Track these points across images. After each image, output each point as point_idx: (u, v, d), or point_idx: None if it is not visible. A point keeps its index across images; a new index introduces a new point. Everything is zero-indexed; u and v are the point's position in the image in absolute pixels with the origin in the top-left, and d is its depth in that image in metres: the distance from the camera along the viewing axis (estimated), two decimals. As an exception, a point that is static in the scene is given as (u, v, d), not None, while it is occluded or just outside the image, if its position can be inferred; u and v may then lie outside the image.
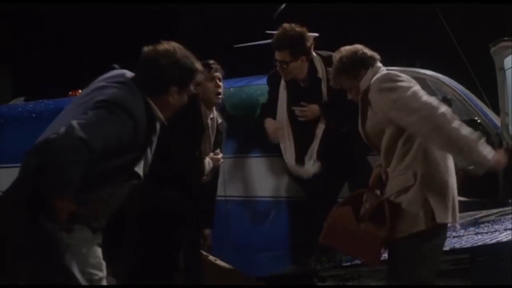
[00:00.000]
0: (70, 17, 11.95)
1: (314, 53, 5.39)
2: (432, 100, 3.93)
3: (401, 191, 3.96)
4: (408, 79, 4.06)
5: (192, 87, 3.59)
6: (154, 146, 3.56)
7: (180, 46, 3.58)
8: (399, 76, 4.05)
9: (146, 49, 3.54)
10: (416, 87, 4.00)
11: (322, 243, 4.19)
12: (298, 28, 5.30)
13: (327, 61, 5.32)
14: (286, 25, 5.33)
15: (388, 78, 4.05)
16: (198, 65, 3.60)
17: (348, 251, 4.33)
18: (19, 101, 6.43)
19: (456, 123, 3.84)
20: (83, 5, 11.82)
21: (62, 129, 3.22)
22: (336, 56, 4.26)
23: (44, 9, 11.83)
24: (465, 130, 3.84)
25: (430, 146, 3.94)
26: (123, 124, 3.31)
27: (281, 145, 5.37)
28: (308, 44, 5.33)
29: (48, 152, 3.21)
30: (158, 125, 3.54)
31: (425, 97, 3.94)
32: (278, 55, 5.30)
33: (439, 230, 4.00)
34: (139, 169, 3.50)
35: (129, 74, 3.57)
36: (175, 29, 11.40)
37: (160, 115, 3.49)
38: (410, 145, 3.97)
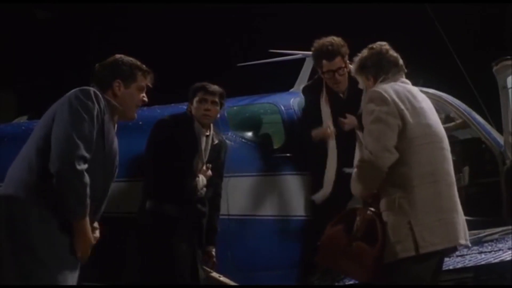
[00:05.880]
0: (75, 37, 12.01)
1: (350, 66, 5.38)
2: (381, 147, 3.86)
3: (387, 210, 3.91)
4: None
5: (140, 81, 3.91)
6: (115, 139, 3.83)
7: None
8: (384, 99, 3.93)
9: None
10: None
11: (318, 263, 4.14)
12: (336, 37, 5.34)
13: None
14: (326, 38, 5.35)
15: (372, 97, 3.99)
16: (141, 65, 3.96)
17: (343, 270, 4.26)
18: (23, 119, 6.43)
19: None
20: (88, 24, 11.90)
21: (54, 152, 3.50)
22: (364, 50, 4.19)
23: (48, 29, 11.91)
24: None
25: (410, 172, 3.88)
26: (90, 109, 3.63)
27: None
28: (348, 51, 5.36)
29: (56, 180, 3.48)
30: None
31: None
32: (332, 64, 5.30)
33: (430, 253, 3.88)
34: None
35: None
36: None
37: (114, 102, 3.81)
38: (392, 168, 3.87)
